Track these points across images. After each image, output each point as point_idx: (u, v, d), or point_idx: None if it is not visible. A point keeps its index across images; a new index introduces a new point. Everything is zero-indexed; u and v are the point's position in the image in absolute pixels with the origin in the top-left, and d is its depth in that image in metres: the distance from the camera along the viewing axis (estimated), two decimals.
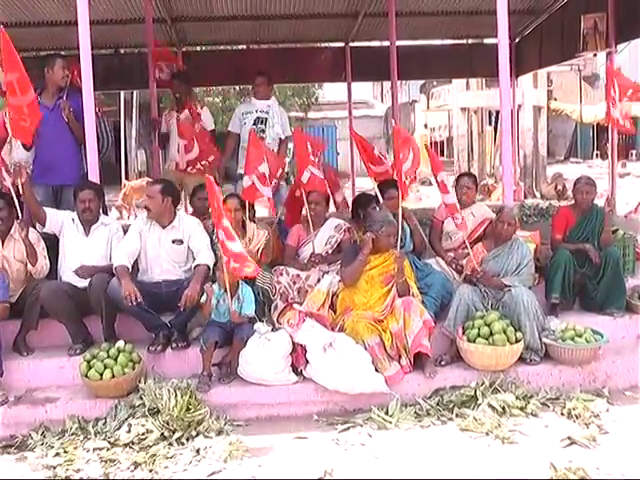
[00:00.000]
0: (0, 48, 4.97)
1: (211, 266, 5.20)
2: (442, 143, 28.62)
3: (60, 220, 5.43)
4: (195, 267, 5.23)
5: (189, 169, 7.09)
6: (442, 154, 30.62)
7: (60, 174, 5.74)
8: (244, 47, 13.21)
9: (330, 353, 4.72)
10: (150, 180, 11.52)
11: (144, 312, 5.04)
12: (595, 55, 12.10)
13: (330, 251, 5.78)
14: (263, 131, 7.20)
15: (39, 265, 5.26)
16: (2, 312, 4.98)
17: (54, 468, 4.05)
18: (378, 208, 5.69)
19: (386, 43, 10.32)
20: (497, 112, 18.55)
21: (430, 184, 14.89)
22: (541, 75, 18.99)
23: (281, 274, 5.49)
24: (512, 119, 8.99)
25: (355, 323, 4.94)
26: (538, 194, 16.61)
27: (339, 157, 22.59)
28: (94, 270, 5.20)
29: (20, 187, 5.18)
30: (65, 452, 4.21)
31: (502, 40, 5.54)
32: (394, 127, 5.99)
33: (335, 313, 5.21)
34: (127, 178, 18.77)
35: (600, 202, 6.17)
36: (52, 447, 4.28)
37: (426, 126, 27.74)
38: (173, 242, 5.34)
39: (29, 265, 5.24)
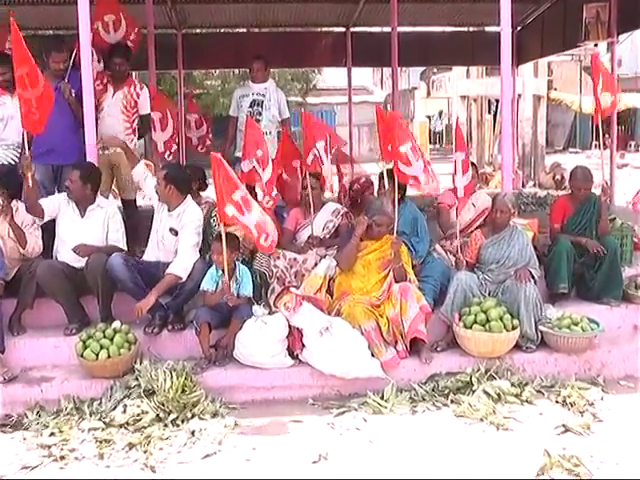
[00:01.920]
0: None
1: (184, 277, 5.05)
2: (440, 131, 28.58)
3: (56, 206, 5.38)
4: (165, 273, 5.07)
5: (167, 156, 6.88)
6: (439, 141, 30.51)
7: (60, 154, 5.70)
8: (244, 30, 13.13)
9: (326, 337, 4.71)
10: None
11: (141, 292, 5.01)
12: (596, 45, 12.02)
13: (328, 236, 5.78)
14: (260, 113, 7.19)
15: (29, 247, 5.27)
16: None
17: (49, 447, 4.05)
18: (377, 195, 5.68)
19: (387, 29, 10.27)
20: (497, 101, 18.55)
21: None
22: (541, 64, 18.92)
23: (278, 258, 5.46)
24: (512, 108, 8.96)
25: (352, 308, 4.95)
26: (532, 183, 16.58)
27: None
28: (92, 249, 5.16)
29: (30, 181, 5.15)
30: (60, 432, 4.21)
31: (505, 28, 5.50)
32: (390, 113, 5.94)
33: (332, 297, 5.21)
34: None
35: (597, 192, 6.17)
36: (47, 426, 4.28)
37: (441, 113, 27.53)
38: (170, 230, 5.30)
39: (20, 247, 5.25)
